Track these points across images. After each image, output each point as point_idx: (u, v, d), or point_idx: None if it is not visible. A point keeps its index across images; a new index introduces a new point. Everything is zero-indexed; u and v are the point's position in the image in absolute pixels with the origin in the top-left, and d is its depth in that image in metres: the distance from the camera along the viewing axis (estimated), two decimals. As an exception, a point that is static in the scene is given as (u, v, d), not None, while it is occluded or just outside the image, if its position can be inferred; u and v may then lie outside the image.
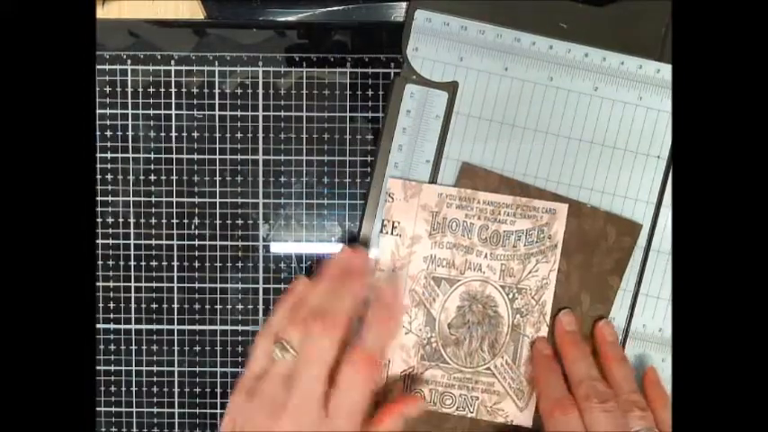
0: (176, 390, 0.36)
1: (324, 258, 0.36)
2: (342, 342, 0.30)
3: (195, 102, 0.36)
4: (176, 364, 0.36)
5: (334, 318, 0.30)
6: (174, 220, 0.36)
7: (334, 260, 0.33)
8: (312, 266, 0.36)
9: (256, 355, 0.31)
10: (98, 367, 0.36)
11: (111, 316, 0.36)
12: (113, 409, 0.36)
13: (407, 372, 0.34)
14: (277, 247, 0.36)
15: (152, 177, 0.36)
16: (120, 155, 0.36)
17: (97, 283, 0.36)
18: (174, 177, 0.36)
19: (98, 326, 0.36)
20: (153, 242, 0.36)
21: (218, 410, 0.36)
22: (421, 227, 0.34)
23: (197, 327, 0.36)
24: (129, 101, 0.36)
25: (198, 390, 0.36)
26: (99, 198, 0.36)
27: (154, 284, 0.36)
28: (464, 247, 0.34)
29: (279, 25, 0.35)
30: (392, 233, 0.34)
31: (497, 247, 0.34)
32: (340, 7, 0.35)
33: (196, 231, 0.36)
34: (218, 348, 0.36)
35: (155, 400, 0.36)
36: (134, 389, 0.36)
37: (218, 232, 0.36)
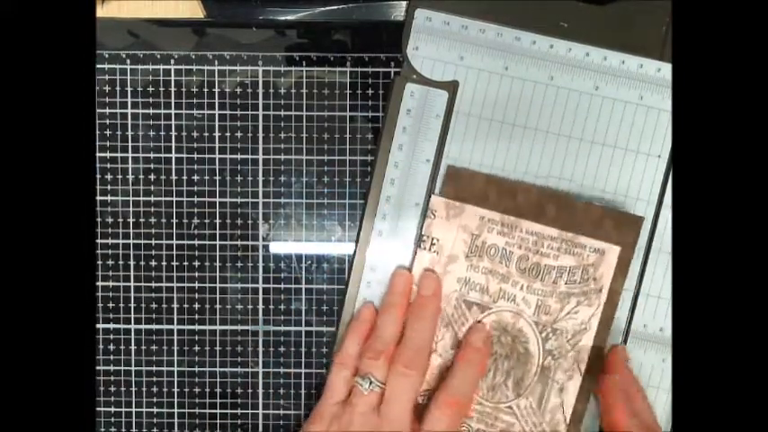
0: (176, 390, 0.36)
1: (324, 258, 0.36)
2: (424, 373, 0.32)
3: (195, 101, 0.36)
4: (176, 364, 0.36)
5: (417, 353, 0.31)
6: (174, 220, 0.36)
7: (396, 286, 0.33)
8: (312, 266, 0.36)
9: (333, 384, 0.32)
10: (98, 367, 0.36)
11: (111, 316, 0.36)
12: (113, 409, 0.36)
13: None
14: (277, 247, 0.36)
15: (152, 177, 0.36)
16: (119, 154, 0.36)
17: (97, 283, 0.36)
18: (174, 177, 0.36)
19: (98, 326, 0.36)
20: (153, 242, 0.36)
21: (218, 410, 0.36)
22: (459, 247, 0.33)
23: (197, 327, 0.36)
24: (129, 100, 0.36)
25: (198, 390, 0.36)
26: (99, 198, 0.36)
27: (153, 284, 0.36)
28: (500, 275, 0.32)
29: (279, 24, 0.35)
30: (430, 250, 0.33)
31: (536, 280, 0.32)
32: (340, 6, 0.35)
33: (196, 231, 0.36)
34: (218, 348, 0.36)
35: (155, 400, 0.36)
36: (134, 389, 0.36)
37: (217, 232, 0.36)
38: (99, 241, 0.36)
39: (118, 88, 0.36)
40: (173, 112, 0.36)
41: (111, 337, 0.36)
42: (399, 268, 0.34)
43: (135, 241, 0.36)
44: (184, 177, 0.36)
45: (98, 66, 0.36)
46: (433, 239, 0.33)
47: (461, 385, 0.31)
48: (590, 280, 0.31)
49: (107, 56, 0.36)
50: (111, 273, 0.36)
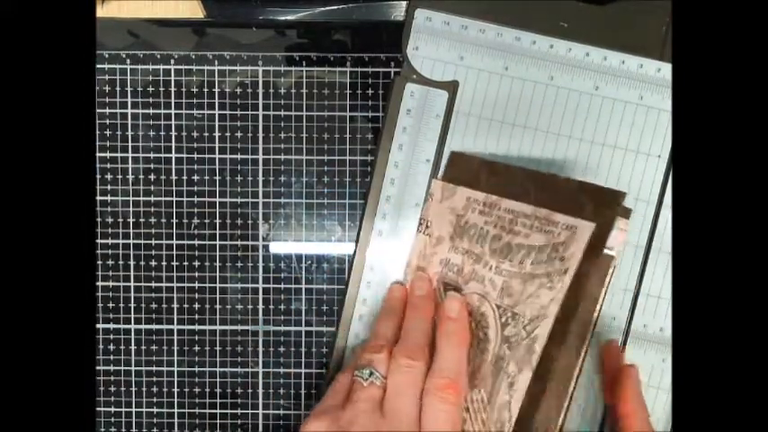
0: (176, 390, 0.36)
1: (324, 258, 0.36)
2: (426, 367, 0.29)
3: (195, 101, 0.36)
4: (176, 364, 0.36)
5: (418, 346, 0.29)
6: (174, 220, 0.36)
7: (392, 293, 0.33)
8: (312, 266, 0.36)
9: (336, 388, 0.30)
10: (98, 367, 0.36)
11: (111, 316, 0.36)
12: (113, 409, 0.36)
13: None
14: (277, 247, 0.36)
15: (152, 177, 0.36)
16: (119, 154, 0.36)
17: (97, 283, 0.36)
18: (174, 177, 0.36)
19: (98, 326, 0.36)
20: (153, 242, 0.36)
21: (218, 410, 0.36)
22: (445, 229, 0.32)
23: (197, 327, 0.36)
24: (129, 100, 0.36)
25: (198, 390, 0.36)
26: (99, 198, 0.36)
27: (154, 284, 0.36)
28: (475, 255, 0.31)
29: (279, 24, 0.35)
30: (424, 233, 0.33)
31: (505, 260, 0.29)
32: (340, 6, 0.35)
33: (196, 231, 0.36)
34: (218, 348, 0.36)
35: (155, 400, 0.36)
36: (134, 389, 0.36)
37: (217, 232, 0.36)
38: (99, 241, 0.36)
39: (118, 88, 0.36)
40: (173, 112, 0.36)
41: (111, 337, 0.36)
42: (394, 283, 0.34)
43: (135, 241, 0.36)
44: (184, 177, 0.36)
45: (98, 66, 0.36)
46: (427, 222, 0.33)
47: (447, 362, 0.28)
48: (556, 260, 0.27)
49: (107, 56, 0.36)
50: (111, 273, 0.36)
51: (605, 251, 0.27)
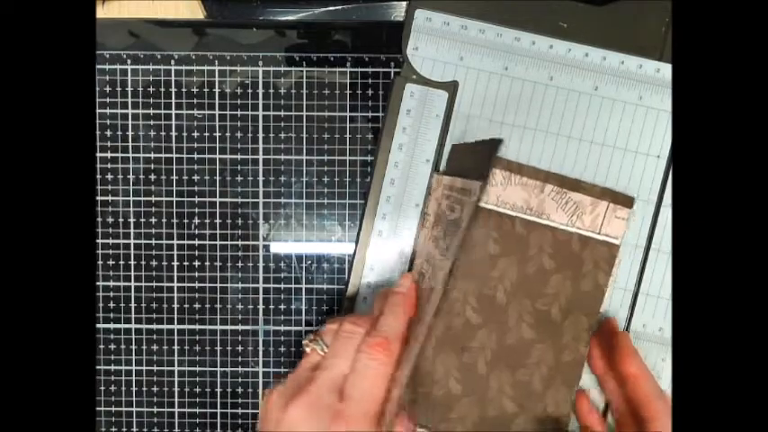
0: (176, 390, 0.36)
1: (324, 258, 0.36)
2: None
3: (195, 101, 0.36)
4: (176, 364, 0.36)
5: (365, 317, 0.30)
6: (174, 220, 0.36)
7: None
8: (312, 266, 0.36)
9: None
10: (98, 367, 0.36)
11: (111, 316, 0.36)
12: (113, 408, 0.36)
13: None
14: (277, 247, 0.36)
15: (152, 177, 0.36)
16: (120, 155, 0.36)
17: (97, 283, 0.36)
18: (174, 177, 0.36)
19: (98, 326, 0.36)
20: (153, 242, 0.36)
21: (218, 410, 0.36)
22: (431, 219, 0.33)
23: (197, 327, 0.36)
24: (129, 100, 0.36)
25: (198, 390, 0.36)
26: (99, 198, 0.36)
27: (154, 284, 0.36)
28: (435, 239, 0.31)
29: (279, 25, 0.35)
30: (425, 226, 0.33)
31: (445, 239, 0.29)
32: (340, 7, 0.35)
33: (196, 231, 0.36)
34: (218, 348, 0.36)
35: (155, 399, 0.36)
36: (134, 389, 0.36)
37: (218, 232, 0.36)
38: (100, 241, 0.36)
39: (118, 88, 0.36)
40: (173, 112, 0.36)
41: (112, 336, 0.36)
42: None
43: (135, 241, 0.36)
44: (185, 177, 0.36)
45: (99, 66, 0.36)
46: (426, 216, 0.34)
47: (385, 326, 0.29)
48: (458, 228, 0.27)
49: (108, 56, 0.36)
50: (111, 273, 0.36)
51: (610, 240, 0.27)
